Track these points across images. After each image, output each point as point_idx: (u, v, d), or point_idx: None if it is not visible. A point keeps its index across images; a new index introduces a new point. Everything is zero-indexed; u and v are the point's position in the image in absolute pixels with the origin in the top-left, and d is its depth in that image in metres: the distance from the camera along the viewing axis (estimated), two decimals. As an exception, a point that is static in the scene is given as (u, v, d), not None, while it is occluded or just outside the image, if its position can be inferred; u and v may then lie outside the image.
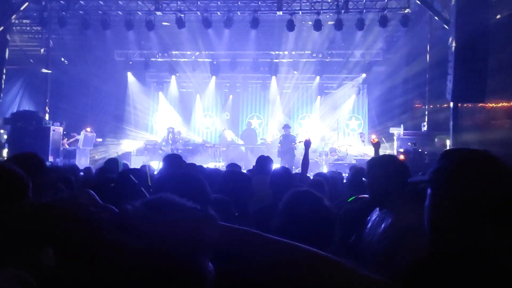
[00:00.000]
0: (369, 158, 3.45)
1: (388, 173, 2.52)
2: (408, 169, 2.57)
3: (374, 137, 11.54)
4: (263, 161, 4.56)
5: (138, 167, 5.42)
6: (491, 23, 9.45)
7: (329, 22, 13.84)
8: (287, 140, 13.25)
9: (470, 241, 1.13)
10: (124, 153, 14.54)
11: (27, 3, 12.73)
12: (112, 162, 5.38)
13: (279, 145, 13.37)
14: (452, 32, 9.61)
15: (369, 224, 2.55)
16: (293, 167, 12.52)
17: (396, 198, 2.41)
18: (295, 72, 16.89)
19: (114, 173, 3.75)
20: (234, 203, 2.48)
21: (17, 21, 14.59)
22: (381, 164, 2.64)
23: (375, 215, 2.58)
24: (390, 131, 14.25)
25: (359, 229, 2.64)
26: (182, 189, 1.38)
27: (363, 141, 14.99)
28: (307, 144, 5.55)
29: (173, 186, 1.91)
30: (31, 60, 16.67)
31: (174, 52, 16.86)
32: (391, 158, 2.84)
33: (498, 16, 10.32)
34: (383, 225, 2.35)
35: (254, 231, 0.92)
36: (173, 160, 4.08)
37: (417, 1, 11.99)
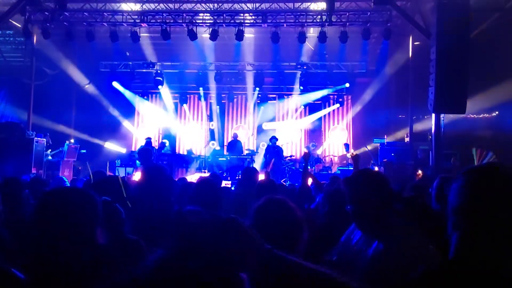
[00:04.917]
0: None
1: (376, 196, 2.27)
2: (389, 184, 2.36)
3: (352, 151, 11.72)
4: (248, 173, 4.59)
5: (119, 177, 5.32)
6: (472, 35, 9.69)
7: (313, 34, 14.05)
8: (273, 152, 13.44)
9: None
10: (109, 164, 14.44)
11: (10, 14, 12.61)
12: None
13: (267, 156, 13.54)
14: (433, 44, 9.82)
15: (353, 243, 2.39)
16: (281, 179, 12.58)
17: (387, 226, 2.21)
18: (279, 84, 17.14)
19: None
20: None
21: (0, 32, 14.48)
22: (366, 187, 2.32)
23: (357, 233, 2.40)
24: (374, 142, 14.43)
25: (336, 245, 2.50)
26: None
27: (348, 152, 15.13)
28: (306, 156, 5.68)
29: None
30: (15, 71, 16.49)
31: (159, 63, 16.84)
32: (376, 177, 2.44)
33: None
34: (371, 250, 2.18)
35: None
36: (153, 173, 3.98)
37: (399, 15, 12.25)
